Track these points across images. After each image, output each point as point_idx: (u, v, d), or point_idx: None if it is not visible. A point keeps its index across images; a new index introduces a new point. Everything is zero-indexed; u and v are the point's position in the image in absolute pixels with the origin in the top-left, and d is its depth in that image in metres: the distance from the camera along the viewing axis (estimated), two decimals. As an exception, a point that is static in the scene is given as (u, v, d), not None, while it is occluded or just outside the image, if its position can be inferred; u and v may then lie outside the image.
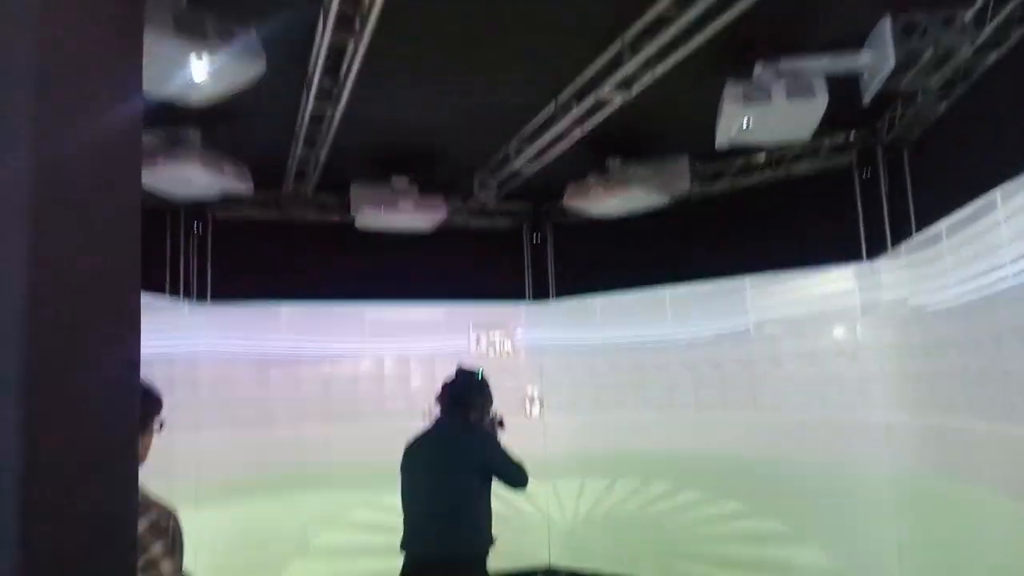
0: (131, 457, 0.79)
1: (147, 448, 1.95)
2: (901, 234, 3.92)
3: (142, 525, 1.75)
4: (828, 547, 4.23)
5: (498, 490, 3.14)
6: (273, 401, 5.02)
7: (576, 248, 5.77)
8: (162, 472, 5.08)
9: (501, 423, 3.23)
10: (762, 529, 4.51)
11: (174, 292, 4.83)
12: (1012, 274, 2.82)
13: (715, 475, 4.75)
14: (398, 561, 3.19)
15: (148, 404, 1.94)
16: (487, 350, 5.51)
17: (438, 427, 3.27)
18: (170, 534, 1.83)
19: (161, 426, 1.98)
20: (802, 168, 4.56)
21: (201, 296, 4.99)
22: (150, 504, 1.86)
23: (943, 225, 3.36)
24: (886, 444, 3.97)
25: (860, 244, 4.27)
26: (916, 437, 3.69)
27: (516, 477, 3.13)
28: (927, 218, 3.57)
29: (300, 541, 4.97)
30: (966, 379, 3.16)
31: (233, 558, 4.72)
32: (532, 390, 5.55)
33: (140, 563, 1.65)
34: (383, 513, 4.72)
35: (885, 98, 3.45)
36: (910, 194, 3.90)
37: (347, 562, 5.01)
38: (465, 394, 3.21)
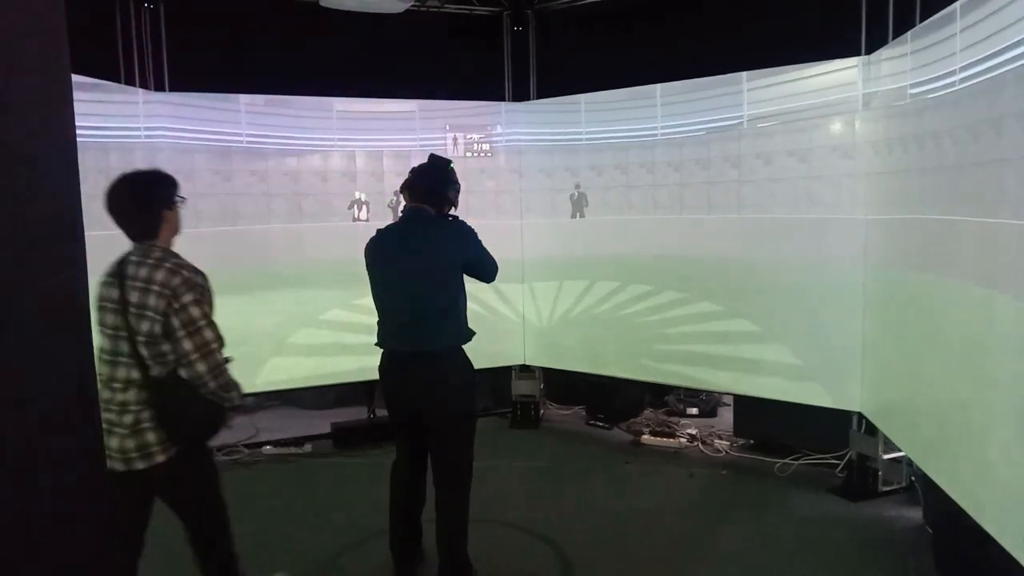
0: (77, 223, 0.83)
1: (178, 220, 2.43)
2: (905, 23, 3.69)
3: (175, 280, 2.24)
4: (796, 346, 4.28)
5: (476, 292, 3.09)
6: (237, 196, 4.83)
7: (561, 42, 5.38)
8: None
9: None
10: (733, 329, 4.56)
11: (129, 80, 4.52)
12: (1027, 50, 2.64)
13: (693, 277, 4.72)
14: (375, 359, 3.18)
15: (166, 184, 2.42)
16: (464, 152, 5.31)
17: (410, 219, 3.14)
18: (199, 287, 2.27)
19: (184, 199, 2.44)
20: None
21: (159, 85, 4.67)
22: (182, 265, 2.30)
23: (957, 4, 3.12)
24: (864, 242, 3.95)
25: (861, 35, 4.01)
26: (895, 233, 3.64)
27: (489, 269, 3.07)
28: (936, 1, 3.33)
29: (276, 339, 5.00)
30: (958, 171, 3.05)
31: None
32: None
33: (176, 305, 2.22)
34: (357, 313, 4.73)
35: None
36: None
37: (324, 359, 5.08)
38: (438, 184, 3.07)
